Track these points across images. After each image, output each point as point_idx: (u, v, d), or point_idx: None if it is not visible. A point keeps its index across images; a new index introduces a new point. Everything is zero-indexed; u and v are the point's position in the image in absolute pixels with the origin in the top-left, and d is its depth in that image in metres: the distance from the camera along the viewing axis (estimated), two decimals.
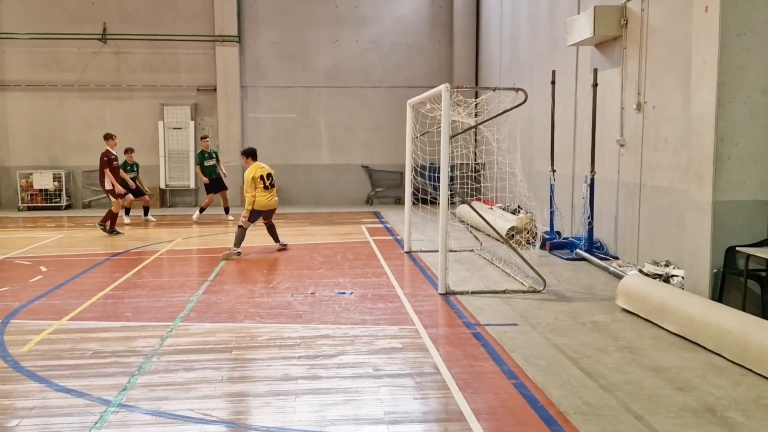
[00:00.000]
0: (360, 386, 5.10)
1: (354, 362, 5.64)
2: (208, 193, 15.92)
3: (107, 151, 13.58)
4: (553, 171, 11.88)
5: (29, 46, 18.85)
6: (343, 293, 8.22)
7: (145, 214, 15.81)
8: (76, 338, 6.37)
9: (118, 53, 19.16)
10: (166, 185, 19.25)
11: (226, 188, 16.04)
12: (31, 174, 18.78)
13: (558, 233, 11.91)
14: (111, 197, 13.56)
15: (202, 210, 15.83)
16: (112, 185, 13.50)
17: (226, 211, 15.96)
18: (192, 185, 19.31)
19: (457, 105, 9.88)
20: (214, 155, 15.95)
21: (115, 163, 13.63)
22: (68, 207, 19.01)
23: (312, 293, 8.25)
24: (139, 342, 6.24)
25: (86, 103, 19.27)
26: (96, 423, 4.43)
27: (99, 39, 18.90)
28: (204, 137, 16.05)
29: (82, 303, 7.74)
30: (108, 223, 13.51)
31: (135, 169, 15.64)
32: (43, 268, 9.96)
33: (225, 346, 6.14)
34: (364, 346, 6.08)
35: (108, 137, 13.76)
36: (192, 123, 19.28)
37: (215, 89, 19.33)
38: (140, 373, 5.39)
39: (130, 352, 5.95)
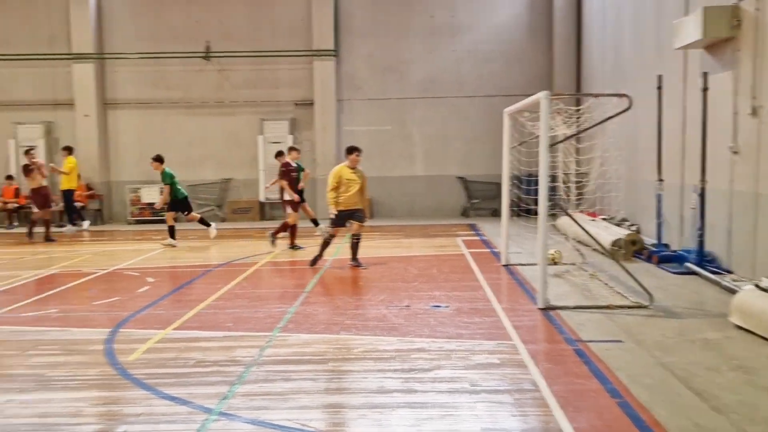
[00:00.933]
0: (456, 401, 5.07)
1: (450, 377, 5.62)
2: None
3: (287, 162, 13.67)
4: (661, 180, 11.46)
5: (137, 66, 19.97)
6: (439, 306, 8.22)
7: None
8: (180, 347, 6.66)
9: (220, 71, 20.00)
10: (266, 198, 19.82)
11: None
12: (140, 188, 19.84)
13: (666, 245, 11.46)
14: (288, 209, 13.53)
15: (315, 222, 15.83)
16: (290, 197, 13.47)
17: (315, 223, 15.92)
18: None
19: (557, 113, 9.71)
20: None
21: (293, 174, 13.64)
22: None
23: (407, 306, 8.28)
24: (239, 352, 6.46)
25: (190, 119, 20.19)
26: (198, 430, 4.61)
27: (203, 57, 19.79)
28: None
29: (186, 313, 8.09)
30: (278, 234, 13.72)
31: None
32: (150, 279, 10.48)
33: (321, 357, 6.27)
34: (460, 361, 6.05)
35: (292, 149, 13.94)
36: (290, 137, 19.81)
37: (312, 103, 19.82)
38: (240, 382, 5.57)
39: (230, 361, 6.17)
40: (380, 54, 19.89)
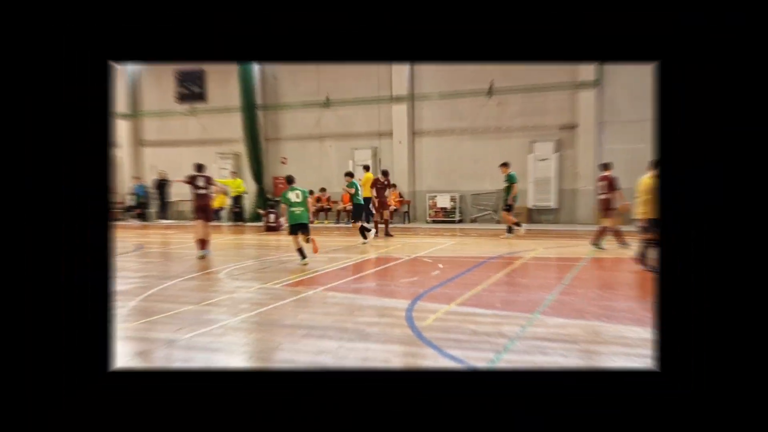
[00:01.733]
0: None
1: None
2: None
3: (606, 175, 12.28)
4: None
5: (438, 103, 21.02)
6: None
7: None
8: (459, 319, 6.88)
9: (499, 104, 20.17)
10: (533, 205, 19.58)
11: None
12: (436, 196, 20.88)
13: None
14: (606, 215, 12.34)
15: (510, 229, 15.42)
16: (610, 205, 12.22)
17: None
18: (553, 205, 19.29)
19: None
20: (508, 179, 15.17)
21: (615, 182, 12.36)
22: (460, 221, 20.60)
23: None
24: (504, 327, 6.47)
25: (475, 143, 20.69)
26: None
27: (486, 94, 20.14)
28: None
29: (465, 293, 8.31)
30: (616, 238, 12.33)
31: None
32: (440, 266, 10.97)
33: (573, 338, 6.01)
34: None
35: (608, 165, 12.58)
36: (555, 155, 19.27)
37: (575, 126, 19.03)
38: (505, 351, 5.59)
39: (497, 334, 6.21)
40: (640, 80, 18.33)
